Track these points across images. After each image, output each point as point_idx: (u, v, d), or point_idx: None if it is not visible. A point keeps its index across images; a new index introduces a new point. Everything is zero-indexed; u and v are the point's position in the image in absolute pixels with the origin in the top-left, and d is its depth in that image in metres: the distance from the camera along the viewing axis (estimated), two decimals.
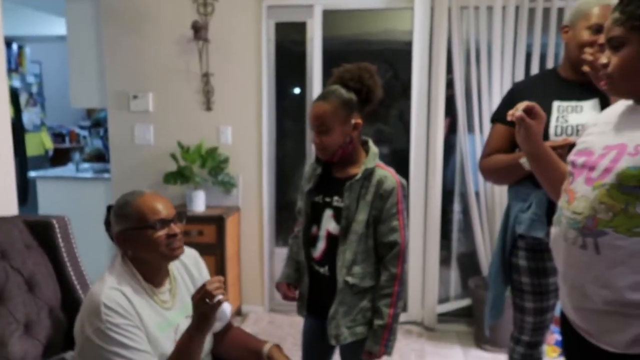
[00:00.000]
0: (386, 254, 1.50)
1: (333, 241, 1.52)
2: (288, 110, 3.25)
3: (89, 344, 1.26)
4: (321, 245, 1.54)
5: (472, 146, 2.92)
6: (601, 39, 1.45)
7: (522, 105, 1.18)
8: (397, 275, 1.49)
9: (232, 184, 3.03)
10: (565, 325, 1.21)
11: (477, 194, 2.91)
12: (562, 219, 1.09)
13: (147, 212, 1.35)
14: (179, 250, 1.41)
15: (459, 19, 2.79)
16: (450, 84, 2.87)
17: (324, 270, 1.54)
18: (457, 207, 3.15)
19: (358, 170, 1.50)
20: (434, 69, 2.84)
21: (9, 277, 1.70)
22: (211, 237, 2.87)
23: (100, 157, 3.70)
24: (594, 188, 1.01)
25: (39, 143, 5.36)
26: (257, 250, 3.18)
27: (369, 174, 1.49)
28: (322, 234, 1.54)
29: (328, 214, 1.53)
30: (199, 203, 2.97)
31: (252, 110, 3.07)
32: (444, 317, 3.08)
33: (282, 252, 3.22)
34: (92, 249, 2.46)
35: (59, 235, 1.93)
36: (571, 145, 1.24)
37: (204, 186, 3.01)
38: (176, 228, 1.39)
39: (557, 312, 2.57)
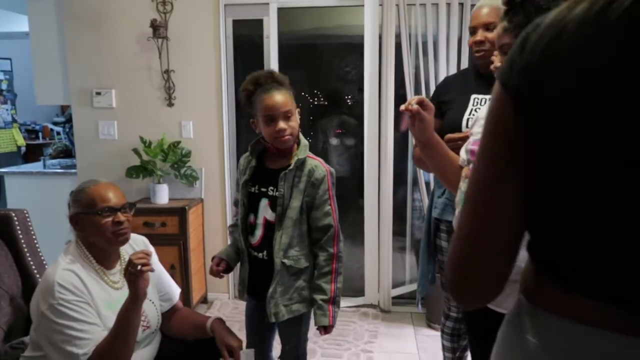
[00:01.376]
0: (322, 236, 1.64)
1: (270, 228, 1.64)
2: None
3: (43, 320, 1.38)
4: (259, 232, 1.66)
5: None
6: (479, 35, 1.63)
7: (414, 99, 1.31)
8: (334, 254, 1.64)
9: (195, 176, 3.15)
10: None
11: (427, 184, 3.07)
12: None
13: (97, 199, 1.50)
14: (124, 237, 1.54)
15: (406, 15, 2.93)
16: (400, 78, 3.00)
17: (262, 255, 1.66)
18: (411, 195, 3.30)
19: (290, 162, 1.63)
20: (384, 63, 2.97)
21: None
22: (174, 228, 2.98)
23: (68, 152, 3.78)
24: None
25: (11, 140, 5.40)
26: (220, 239, 3.30)
27: (300, 164, 1.62)
28: (260, 221, 1.66)
29: (264, 202, 1.65)
30: (163, 196, 3.09)
31: (213, 105, 3.18)
32: (399, 300, 3.25)
33: None
34: (57, 240, 2.56)
35: (17, 228, 2.04)
36: None
37: (167, 179, 3.12)
38: (122, 216, 1.52)
39: None
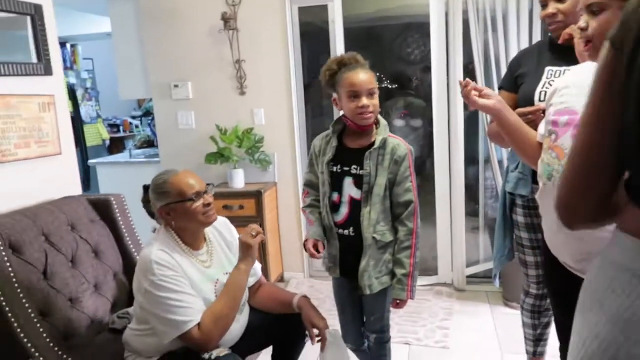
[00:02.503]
0: (402, 211, 1.69)
1: (355, 205, 1.71)
2: (316, 90, 3.44)
3: (147, 295, 1.53)
4: (344, 210, 1.73)
5: None
6: (550, 8, 1.59)
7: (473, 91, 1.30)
8: (413, 229, 1.69)
9: (268, 161, 3.28)
10: (552, 266, 1.35)
11: (499, 162, 3.01)
12: (553, 173, 1.21)
13: (185, 187, 1.60)
14: (213, 217, 1.67)
15: None
16: (469, 55, 2.95)
17: (348, 231, 1.73)
18: (483, 174, 3.25)
19: (370, 141, 1.70)
20: (450, 40, 2.94)
21: (79, 246, 2.02)
22: (251, 210, 3.14)
23: (150, 143, 4.04)
24: None
25: (97, 134, 5.83)
26: (294, 221, 3.43)
27: (383, 142, 1.68)
28: (345, 199, 1.72)
29: (348, 181, 1.71)
30: (239, 180, 3.25)
31: (282, 92, 3.29)
32: (473, 279, 3.24)
33: None
34: (145, 222, 2.78)
35: (116, 211, 2.25)
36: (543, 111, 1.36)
37: (242, 165, 3.28)
38: (209, 198, 1.65)
39: None
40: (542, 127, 1.33)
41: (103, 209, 2.23)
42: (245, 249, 1.61)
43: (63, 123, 2.26)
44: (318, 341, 1.71)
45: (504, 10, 2.85)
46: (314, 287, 3.38)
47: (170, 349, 1.60)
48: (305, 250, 1.79)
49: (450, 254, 3.21)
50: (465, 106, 2.97)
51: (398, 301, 1.72)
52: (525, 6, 2.81)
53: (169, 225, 1.64)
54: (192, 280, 1.60)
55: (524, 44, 2.84)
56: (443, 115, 3.07)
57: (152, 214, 1.74)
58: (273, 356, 1.89)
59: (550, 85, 1.67)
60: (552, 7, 1.65)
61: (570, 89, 1.25)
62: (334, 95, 1.74)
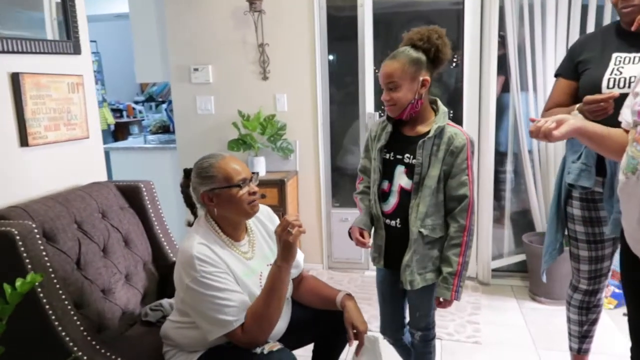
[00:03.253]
0: (455, 206, 1.58)
1: (405, 195, 1.61)
2: (341, 77, 3.35)
3: (189, 292, 1.44)
4: (393, 200, 1.64)
5: (526, 105, 2.93)
6: None
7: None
8: (466, 226, 1.58)
9: (290, 149, 3.19)
10: (633, 265, 1.28)
11: (530, 153, 2.95)
12: (639, 167, 1.13)
13: (232, 172, 1.51)
14: (257, 207, 1.57)
15: None
16: (502, 42, 2.87)
17: (395, 222, 1.64)
18: (509, 167, 3.19)
19: (427, 129, 1.58)
20: (485, 27, 2.85)
21: (110, 234, 1.94)
22: (273, 199, 3.05)
23: (166, 128, 3.94)
24: None
25: (102, 119, 5.69)
26: (315, 211, 3.35)
27: (440, 131, 1.56)
28: (395, 189, 1.63)
29: (400, 170, 1.62)
30: (260, 168, 3.16)
31: (307, 78, 3.19)
32: (498, 273, 3.19)
33: (339, 213, 3.40)
34: (172, 211, 2.70)
35: (146, 198, 2.16)
36: (620, 97, 1.29)
37: (264, 152, 3.19)
38: (254, 187, 1.55)
39: (614, 266, 2.64)
40: (628, 116, 1.26)
41: (132, 196, 2.14)
42: (284, 246, 1.46)
43: (91, 105, 2.16)
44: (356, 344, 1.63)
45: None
46: (333, 279, 3.31)
47: (217, 344, 1.53)
48: (351, 238, 1.72)
49: (476, 247, 3.15)
50: (499, 97, 2.90)
51: (442, 300, 1.62)
52: None
53: (211, 213, 1.56)
54: (236, 275, 1.52)
55: (562, 33, 2.76)
56: (474, 107, 3.00)
57: (189, 202, 1.65)
58: (314, 353, 1.83)
59: (620, 72, 1.60)
60: None
61: None
62: None
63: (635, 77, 1.53)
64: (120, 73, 5.96)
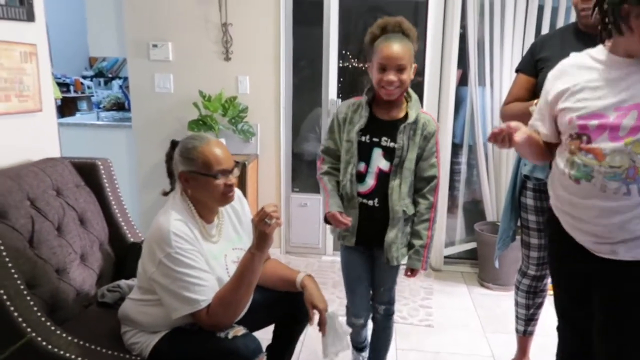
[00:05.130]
0: (425, 186, 1.72)
1: (383, 177, 1.69)
2: (304, 62, 3.33)
3: (161, 267, 1.42)
4: (371, 181, 1.71)
5: (482, 98, 3.04)
6: None
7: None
8: (434, 203, 1.73)
9: (252, 132, 3.16)
10: (573, 255, 1.38)
11: (484, 145, 3.07)
12: (593, 174, 1.23)
13: (213, 161, 1.48)
14: (232, 198, 1.56)
15: None
16: (462, 37, 2.95)
17: (373, 202, 1.71)
18: (463, 158, 3.31)
19: (402, 114, 1.69)
20: (448, 21, 2.92)
21: (66, 212, 1.86)
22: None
23: (121, 105, 3.78)
24: (626, 144, 1.18)
25: None
26: (274, 195, 3.34)
27: (416, 117, 1.67)
28: (372, 170, 1.70)
29: (377, 152, 1.69)
30: None
31: (270, 61, 3.15)
32: (450, 260, 3.31)
33: (298, 198, 3.41)
34: (128, 190, 2.60)
35: (104, 176, 2.08)
36: None
37: (224, 134, 3.13)
38: (233, 179, 1.53)
39: None
40: (540, 126, 1.40)
41: (88, 173, 2.06)
42: (259, 236, 1.44)
43: (44, 77, 2.05)
44: (318, 323, 1.65)
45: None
46: (290, 264, 3.32)
47: (180, 325, 1.51)
48: (330, 223, 1.75)
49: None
50: (458, 91, 2.99)
51: (412, 270, 1.76)
52: None
53: (186, 192, 1.54)
54: (206, 256, 1.51)
55: (519, 31, 2.87)
56: (434, 98, 3.07)
57: (170, 172, 1.62)
58: (275, 334, 1.84)
59: None
60: None
61: (583, 92, 1.27)
62: (368, 63, 1.69)
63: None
64: (67, 45, 5.63)
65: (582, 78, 1.28)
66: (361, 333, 2.01)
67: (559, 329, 1.59)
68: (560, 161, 1.34)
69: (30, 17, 1.94)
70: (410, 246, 1.75)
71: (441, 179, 1.77)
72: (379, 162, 1.69)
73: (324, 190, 1.80)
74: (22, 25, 1.91)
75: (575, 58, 1.34)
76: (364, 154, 1.70)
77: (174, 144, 1.58)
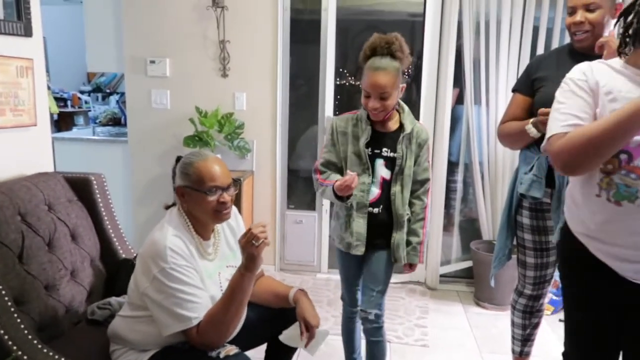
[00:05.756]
0: (419, 188, 1.85)
1: (386, 185, 1.81)
2: (301, 79, 3.35)
3: (155, 282, 1.40)
4: (376, 190, 1.81)
5: (478, 117, 3.05)
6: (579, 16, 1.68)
7: None
8: (427, 203, 1.88)
9: (247, 148, 3.15)
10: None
11: (480, 164, 3.07)
12: (638, 194, 1.17)
13: (206, 177, 1.47)
14: (227, 216, 1.55)
15: None
16: (459, 56, 2.98)
17: (378, 209, 1.81)
18: (459, 177, 3.30)
19: (396, 125, 1.81)
20: (444, 40, 2.95)
21: (57, 228, 1.83)
22: None
23: (117, 120, 3.78)
24: None
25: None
26: (269, 212, 3.32)
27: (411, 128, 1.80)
28: (377, 180, 1.81)
29: (380, 162, 1.80)
30: None
31: (267, 78, 3.17)
32: (445, 278, 3.29)
33: (293, 215, 3.39)
34: (121, 207, 2.59)
35: (97, 191, 2.07)
36: None
37: (220, 150, 3.13)
38: (227, 196, 1.52)
39: (557, 277, 2.78)
40: (576, 119, 1.23)
41: (81, 188, 2.04)
42: (248, 257, 1.42)
43: (40, 92, 2.05)
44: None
45: (498, 16, 2.89)
46: (285, 281, 3.27)
47: (171, 343, 1.48)
48: (342, 197, 1.72)
49: (425, 254, 3.21)
50: (454, 108, 3.01)
51: (411, 265, 1.87)
52: (519, 14, 2.87)
53: (182, 208, 1.54)
54: (201, 274, 1.49)
55: (514, 51, 2.90)
56: (430, 117, 3.08)
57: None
58: (267, 354, 1.81)
59: None
60: (580, 16, 1.67)
61: (618, 103, 1.18)
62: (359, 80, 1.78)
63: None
64: (66, 60, 5.67)
65: (614, 84, 1.20)
66: (355, 334, 2.07)
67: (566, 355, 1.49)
68: (587, 184, 1.26)
69: (27, 32, 1.95)
70: (407, 243, 1.85)
71: (437, 201, 1.93)
72: (381, 171, 1.80)
73: (320, 182, 1.82)
74: (19, 40, 1.92)
75: (597, 63, 1.26)
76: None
77: (178, 159, 1.58)
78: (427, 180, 1.86)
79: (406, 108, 1.84)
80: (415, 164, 1.82)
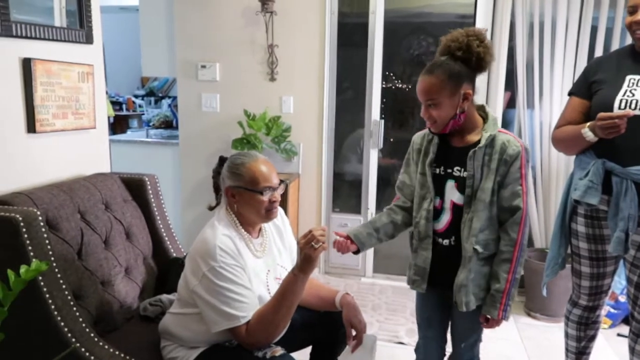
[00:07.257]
0: (507, 218, 1.47)
1: (458, 211, 1.49)
2: (348, 82, 3.35)
3: (204, 280, 1.43)
4: (446, 217, 1.52)
5: (531, 121, 2.95)
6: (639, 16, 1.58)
7: None
8: (517, 240, 1.45)
9: (294, 151, 3.18)
10: None
11: (533, 169, 2.96)
12: None
13: (260, 177, 1.51)
14: (275, 214, 1.58)
15: None
16: (510, 58, 2.89)
17: (448, 241, 1.53)
18: None
19: (477, 137, 1.47)
20: (496, 42, 2.87)
21: (113, 226, 1.91)
22: None
23: (169, 123, 3.92)
24: None
25: None
26: (314, 215, 3.34)
27: (491, 140, 1.45)
28: (447, 205, 1.51)
29: (450, 184, 1.51)
30: None
31: (314, 81, 3.19)
32: None
33: (338, 218, 3.39)
34: (172, 207, 2.67)
35: (150, 192, 2.14)
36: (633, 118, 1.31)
37: (267, 153, 3.17)
38: (278, 195, 1.56)
39: (615, 289, 2.65)
40: None
41: (136, 189, 2.13)
42: (304, 258, 1.42)
43: (99, 96, 2.15)
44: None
45: (553, 16, 2.79)
46: (329, 284, 3.29)
47: (219, 341, 1.52)
48: (333, 244, 1.61)
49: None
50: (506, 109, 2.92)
51: (488, 318, 1.51)
52: (576, 14, 2.75)
53: (231, 207, 1.56)
54: (249, 272, 1.51)
55: (570, 53, 2.79)
56: None
57: (216, 187, 1.67)
58: (312, 356, 1.82)
59: (632, 94, 1.61)
60: None
61: None
62: None
63: None
64: (121, 66, 5.93)
65: None
66: None
67: None
68: None
69: (89, 39, 2.05)
70: (487, 290, 1.51)
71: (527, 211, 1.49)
72: (452, 195, 1.50)
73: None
74: (81, 47, 2.02)
75: None
76: (439, 187, 1.52)
77: (222, 160, 1.62)
78: (517, 208, 1.44)
79: (492, 116, 1.49)
80: (503, 186, 1.45)
